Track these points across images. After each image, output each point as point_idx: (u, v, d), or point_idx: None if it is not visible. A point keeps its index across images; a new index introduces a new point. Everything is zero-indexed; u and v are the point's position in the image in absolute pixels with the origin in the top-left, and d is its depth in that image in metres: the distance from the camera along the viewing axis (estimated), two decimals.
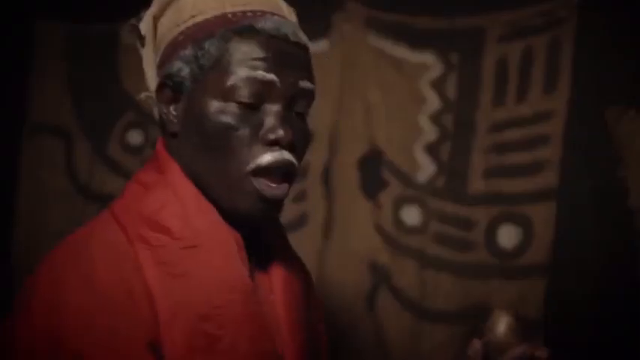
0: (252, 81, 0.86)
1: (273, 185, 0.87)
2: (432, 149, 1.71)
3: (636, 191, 1.57)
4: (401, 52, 1.74)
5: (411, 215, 1.72)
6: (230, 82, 0.86)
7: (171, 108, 0.91)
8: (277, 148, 0.86)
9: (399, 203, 1.73)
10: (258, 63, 0.86)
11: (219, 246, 0.86)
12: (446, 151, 1.70)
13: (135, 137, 1.98)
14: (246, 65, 0.86)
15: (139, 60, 1.95)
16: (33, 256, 2.04)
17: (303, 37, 0.92)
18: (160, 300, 0.81)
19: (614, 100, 1.59)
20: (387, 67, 1.75)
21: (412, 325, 1.69)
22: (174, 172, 0.89)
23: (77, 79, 2.04)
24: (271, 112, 0.87)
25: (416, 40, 1.73)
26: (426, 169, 1.72)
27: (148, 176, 0.91)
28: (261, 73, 0.86)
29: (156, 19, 0.94)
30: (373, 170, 1.75)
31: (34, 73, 2.08)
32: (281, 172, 0.88)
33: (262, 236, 0.95)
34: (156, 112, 0.94)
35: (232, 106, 0.86)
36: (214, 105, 0.86)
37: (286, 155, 0.87)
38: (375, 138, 1.75)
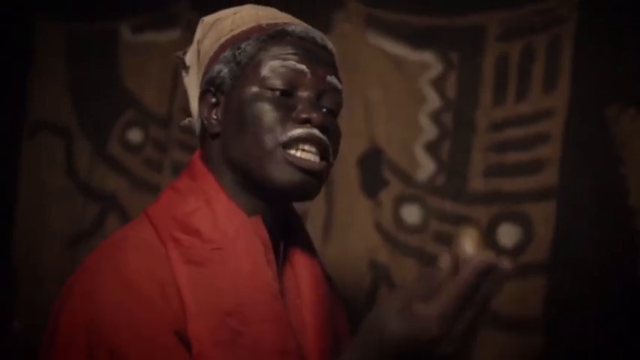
0: (285, 70, 0.93)
1: (308, 158, 0.91)
2: (432, 148, 1.71)
3: (636, 190, 1.57)
4: (401, 50, 1.74)
5: (411, 214, 1.72)
6: (264, 71, 0.93)
7: (213, 112, 0.97)
8: (309, 125, 0.91)
9: (399, 202, 1.73)
10: (290, 56, 0.94)
11: (245, 250, 0.91)
12: (446, 150, 1.70)
13: (135, 135, 1.98)
14: (278, 58, 0.93)
15: (139, 59, 1.98)
16: (33, 255, 2.04)
17: (329, 43, 1.00)
18: (188, 295, 0.85)
19: (615, 98, 1.59)
20: (387, 66, 1.75)
21: None
22: (208, 181, 0.95)
23: (77, 78, 2.04)
24: (303, 98, 0.93)
25: (416, 38, 1.73)
26: (426, 167, 1.72)
27: (182, 183, 0.97)
28: (292, 63, 0.93)
29: (199, 42, 1.02)
30: (373, 169, 1.75)
31: (34, 72, 2.09)
32: (314, 147, 0.92)
33: (292, 229, 1.01)
34: (197, 128, 1.01)
35: (267, 92, 0.93)
36: (251, 91, 0.93)
37: (317, 132, 0.91)
38: (375, 136, 1.75)
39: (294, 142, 0.91)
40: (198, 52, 1.02)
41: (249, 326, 0.86)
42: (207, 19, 1.02)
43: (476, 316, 0.68)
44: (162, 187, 1.88)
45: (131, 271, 0.85)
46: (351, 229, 1.76)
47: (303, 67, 0.93)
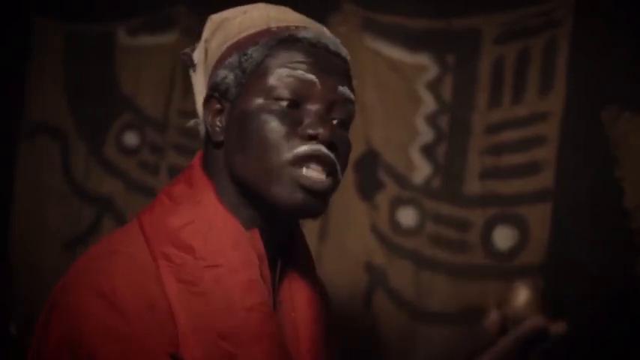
0: (292, 79, 0.87)
1: (314, 176, 0.86)
2: (428, 150, 1.71)
3: (632, 192, 1.57)
4: (397, 53, 1.74)
5: (407, 216, 1.72)
6: (271, 80, 0.87)
7: (217, 120, 0.92)
8: (315, 142, 0.85)
9: (395, 204, 1.73)
10: (299, 65, 0.87)
11: (240, 267, 0.86)
12: (442, 153, 1.71)
13: (131, 138, 1.98)
14: (286, 66, 0.87)
15: (136, 61, 1.98)
16: (30, 255, 2.04)
17: (343, 50, 0.93)
18: (180, 315, 0.82)
19: (610, 100, 1.59)
20: (383, 69, 1.75)
21: (408, 326, 1.69)
22: (206, 189, 0.90)
23: (74, 80, 2.04)
24: (311, 111, 0.87)
25: (412, 41, 1.73)
26: (422, 170, 1.72)
27: (178, 190, 0.92)
28: (301, 73, 0.87)
29: (207, 42, 0.96)
30: (369, 171, 1.75)
31: (31, 74, 2.08)
32: (321, 166, 0.86)
33: (293, 242, 0.97)
34: (202, 130, 0.96)
35: (273, 104, 0.87)
36: (256, 102, 0.87)
37: (324, 149, 0.85)
38: (371, 139, 1.75)
39: (300, 160, 0.85)
40: (206, 51, 0.96)
41: (242, 348, 0.82)
42: (215, 18, 0.96)
43: None
44: (158, 190, 1.88)
45: (118, 289, 0.80)
46: (348, 231, 1.76)
47: (312, 76, 0.86)
